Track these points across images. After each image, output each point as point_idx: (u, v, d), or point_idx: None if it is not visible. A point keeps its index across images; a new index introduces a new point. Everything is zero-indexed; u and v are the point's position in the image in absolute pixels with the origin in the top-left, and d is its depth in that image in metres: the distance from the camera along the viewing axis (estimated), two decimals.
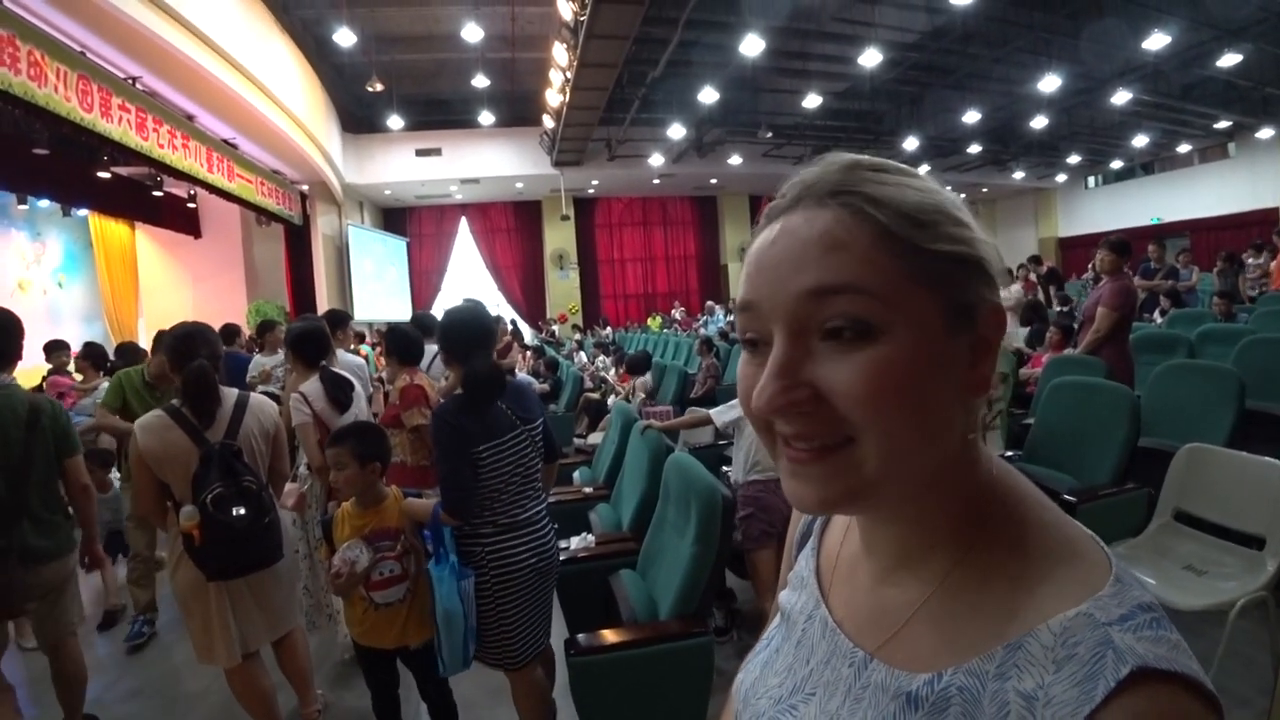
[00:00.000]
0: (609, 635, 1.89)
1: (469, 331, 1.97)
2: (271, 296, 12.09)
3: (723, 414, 2.90)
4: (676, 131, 11.68)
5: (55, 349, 5.69)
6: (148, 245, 12.36)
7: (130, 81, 6.51)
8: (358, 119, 12.66)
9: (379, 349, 8.52)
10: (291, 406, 2.64)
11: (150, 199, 10.32)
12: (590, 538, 2.69)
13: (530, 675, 1.98)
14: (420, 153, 13.09)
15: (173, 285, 12.54)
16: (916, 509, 0.44)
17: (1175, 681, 0.34)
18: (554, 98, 10.06)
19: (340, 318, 4.34)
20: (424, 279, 16.01)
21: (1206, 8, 7.96)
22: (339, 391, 2.76)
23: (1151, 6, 8.08)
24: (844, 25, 8.52)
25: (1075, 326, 4.85)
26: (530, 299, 16.44)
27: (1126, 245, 4.02)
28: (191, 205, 11.61)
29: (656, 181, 15.41)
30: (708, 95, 9.82)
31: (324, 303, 11.92)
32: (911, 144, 13.40)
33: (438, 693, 2.09)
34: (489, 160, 13.48)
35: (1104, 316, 3.86)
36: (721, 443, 4.01)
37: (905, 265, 0.39)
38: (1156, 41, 8.57)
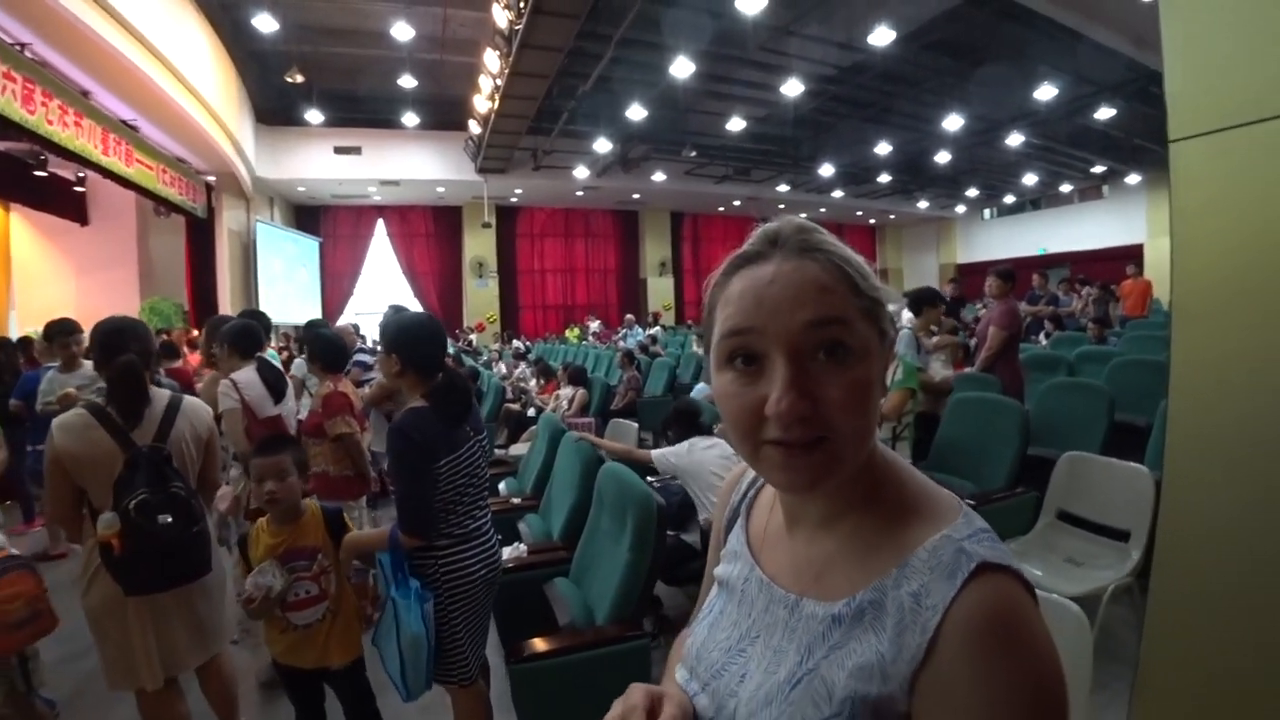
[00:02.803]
0: (551, 642, 1.90)
1: (430, 338, 1.89)
2: (169, 294, 11.24)
3: (664, 459, 2.88)
4: (603, 145, 11.83)
5: None
6: (23, 230, 11.18)
7: (17, 48, 5.93)
8: (273, 110, 12.05)
9: (284, 353, 8.11)
10: (219, 393, 2.54)
11: (31, 179, 9.33)
12: (523, 547, 2.70)
13: (476, 690, 1.94)
14: (339, 150, 12.64)
15: (52, 276, 11.42)
16: (840, 484, 0.56)
17: (1005, 571, 0.49)
18: (482, 104, 9.97)
19: (262, 321, 4.16)
20: (336, 282, 15.39)
21: (1087, 66, 8.86)
22: (278, 380, 2.72)
23: (1042, 61, 8.93)
24: (769, 55, 8.87)
25: (971, 347, 5.28)
26: (448, 306, 16.09)
27: (1012, 274, 4.58)
28: (79, 189, 10.63)
29: (580, 193, 15.49)
30: (636, 112, 10.01)
31: (227, 302, 11.24)
32: (827, 170, 14.12)
33: (365, 716, 2.00)
34: (411, 163, 13.19)
35: (995, 335, 4.34)
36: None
37: (860, 304, 0.54)
38: (1046, 92, 9.53)
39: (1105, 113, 10.49)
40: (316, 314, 14.10)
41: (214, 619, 2.07)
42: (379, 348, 2.24)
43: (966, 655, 0.46)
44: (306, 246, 14.33)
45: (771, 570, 0.63)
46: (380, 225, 15.88)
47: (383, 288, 16.02)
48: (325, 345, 3.32)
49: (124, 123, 8.07)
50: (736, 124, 11.08)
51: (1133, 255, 13.29)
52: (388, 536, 1.76)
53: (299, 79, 9.56)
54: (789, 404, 0.50)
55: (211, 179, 11.05)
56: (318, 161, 12.58)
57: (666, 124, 11.92)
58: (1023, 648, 0.46)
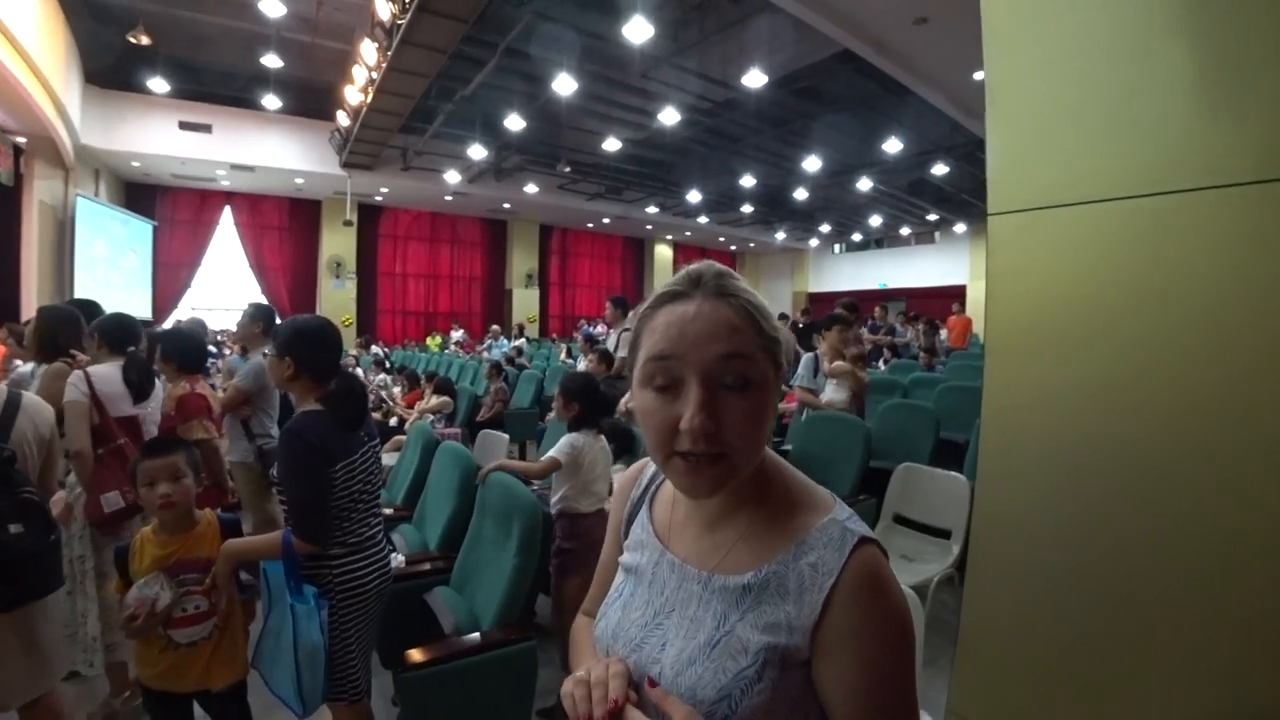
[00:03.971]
0: (442, 649, 1.90)
1: (329, 343, 1.86)
2: None
3: (563, 450, 2.75)
4: (477, 152, 11.65)
5: None
6: None
7: None
8: (109, 72, 10.49)
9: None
10: (68, 383, 2.30)
11: None
12: (400, 558, 2.65)
13: (363, 708, 1.88)
14: (185, 126, 11.34)
15: None
16: (736, 484, 0.68)
17: (873, 542, 0.66)
18: (354, 95, 9.48)
19: (94, 312, 3.75)
20: (171, 272, 13.77)
21: (926, 127, 10.06)
22: (144, 379, 2.50)
23: (892, 119, 10.04)
24: (650, 83, 9.19)
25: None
26: (300, 307, 14.81)
27: (856, 306, 5.17)
28: None
29: (449, 198, 15.11)
30: (514, 122, 9.98)
31: (32, 287, 9.73)
32: (695, 196, 14.78)
33: None
34: (268, 149, 12.14)
35: None
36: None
37: (761, 342, 0.65)
38: (893, 146, 10.70)
39: (940, 169, 11.95)
40: (146, 305, 12.68)
41: (53, 644, 1.85)
42: (224, 349, 2.10)
43: (854, 602, 0.62)
44: (138, 229, 12.74)
45: (682, 554, 0.74)
46: (227, 213, 14.46)
47: (226, 282, 14.62)
48: (181, 343, 3.08)
49: None
50: (612, 144, 11.35)
51: (958, 294, 15.08)
52: (279, 544, 1.68)
53: (144, 40, 8.42)
54: (700, 422, 0.62)
55: (21, 140, 9.50)
56: (158, 135, 11.19)
57: (543, 137, 11.98)
58: (890, 594, 0.64)
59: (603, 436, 2.83)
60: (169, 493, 1.68)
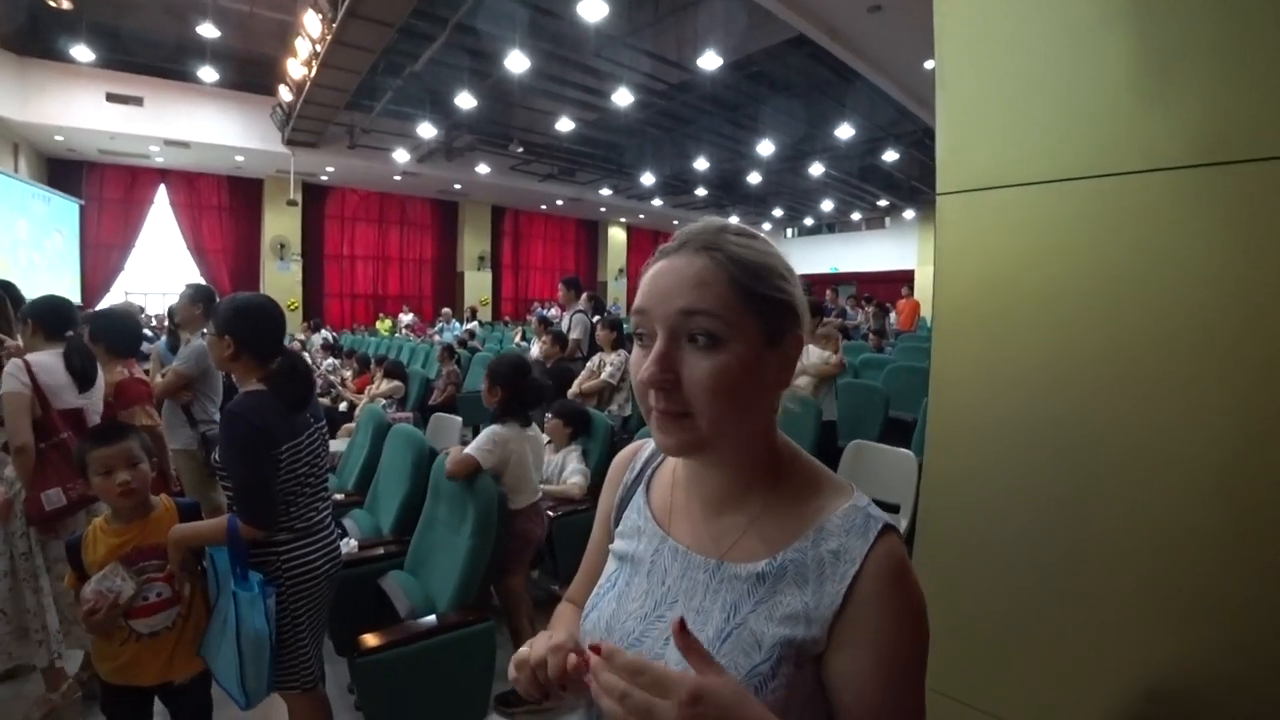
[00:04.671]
0: (399, 632, 1.88)
1: (270, 320, 1.80)
2: None
3: (482, 447, 2.44)
4: (427, 131, 11.37)
5: None
6: None
7: None
8: (25, 37, 9.76)
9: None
10: (5, 373, 2.16)
11: None
12: (353, 543, 2.61)
13: (318, 695, 1.84)
14: (114, 98, 10.69)
15: None
16: (737, 461, 0.66)
17: (895, 530, 0.62)
18: (297, 69, 9.10)
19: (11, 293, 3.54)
20: (102, 253, 13.09)
21: (876, 113, 10.23)
22: (87, 365, 2.38)
23: (842, 104, 10.19)
24: (604, 63, 9.07)
25: None
26: (242, 290, 14.12)
27: (809, 288, 5.20)
28: None
29: (398, 178, 14.74)
30: (465, 100, 9.75)
31: None
32: (649, 179, 14.73)
33: None
34: (205, 124, 11.57)
35: None
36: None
37: (743, 301, 0.60)
38: (844, 132, 10.82)
39: (890, 155, 12.19)
40: (75, 289, 12.03)
41: None
42: (157, 333, 2.01)
43: (877, 593, 0.59)
44: (63, 208, 12.01)
45: (685, 541, 0.69)
46: (162, 191, 13.75)
47: (163, 265, 13.96)
48: (114, 325, 2.92)
49: None
50: (565, 124, 11.20)
51: (906, 278, 15.50)
52: (224, 528, 1.63)
53: (64, 4, 7.88)
54: (649, 374, 0.60)
55: None
56: (84, 108, 10.50)
57: (495, 116, 11.77)
58: (912, 585, 0.61)
59: (533, 427, 2.68)
60: (129, 479, 1.60)
